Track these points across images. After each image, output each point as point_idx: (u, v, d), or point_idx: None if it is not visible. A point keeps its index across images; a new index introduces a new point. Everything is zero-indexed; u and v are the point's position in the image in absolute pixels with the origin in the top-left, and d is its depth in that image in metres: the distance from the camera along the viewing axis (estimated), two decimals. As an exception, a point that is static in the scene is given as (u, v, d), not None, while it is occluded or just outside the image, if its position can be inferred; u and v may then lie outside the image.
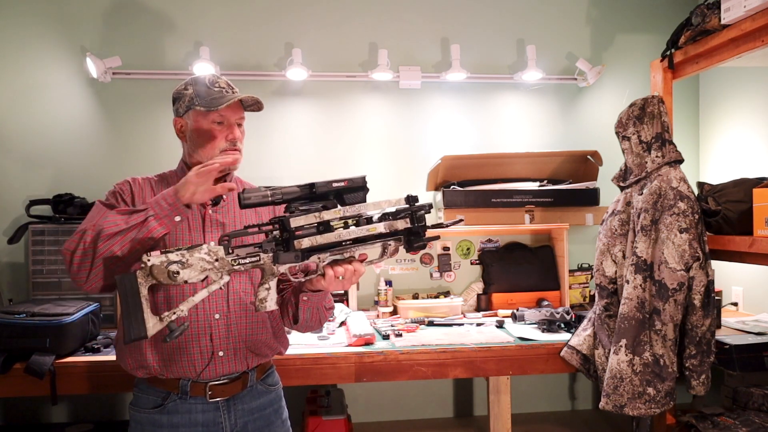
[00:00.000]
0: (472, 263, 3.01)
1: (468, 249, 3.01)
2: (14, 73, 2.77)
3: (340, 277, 1.36)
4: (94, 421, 2.71)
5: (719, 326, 2.46)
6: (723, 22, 2.00)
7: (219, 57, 2.86)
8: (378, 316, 2.75)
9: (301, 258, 1.31)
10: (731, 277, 2.90)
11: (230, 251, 1.30)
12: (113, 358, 2.07)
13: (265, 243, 1.32)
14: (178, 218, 1.39)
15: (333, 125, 2.99)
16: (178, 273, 1.25)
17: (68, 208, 2.62)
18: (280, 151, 2.94)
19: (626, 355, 2.02)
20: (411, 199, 1.34)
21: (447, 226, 1.42)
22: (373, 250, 1.37)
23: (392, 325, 2.48)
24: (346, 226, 1.32)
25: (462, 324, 2.57)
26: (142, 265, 1.25)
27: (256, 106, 1.59)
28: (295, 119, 2.97)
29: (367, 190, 1.35)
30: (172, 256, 1.25)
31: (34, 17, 2.79)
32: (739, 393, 2.30)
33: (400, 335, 2.35)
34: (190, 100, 1.53)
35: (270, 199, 1.31)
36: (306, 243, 1.30)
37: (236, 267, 1.30)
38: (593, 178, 2.92)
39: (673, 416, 2.37)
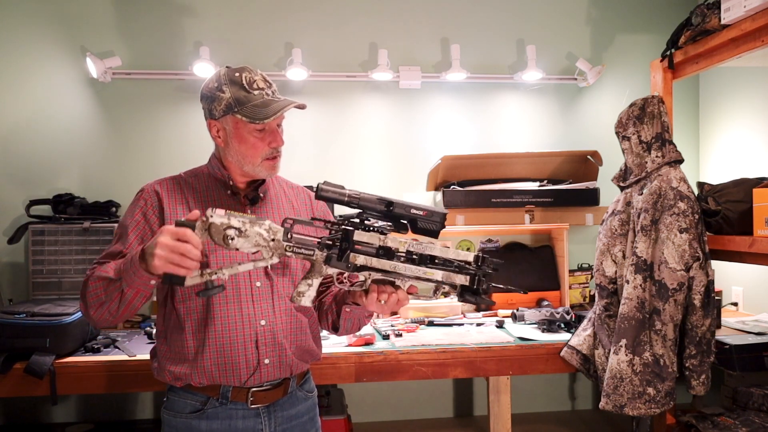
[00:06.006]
0: (472, 263, 3.00)
1: (468, 249, 3.01)
2: (14, 73, 2.77)
3: (382, 302, 1.32)
4: (94, 421, 2.72)
5: (719, 326, 2.46)
6: (723, 22, 2.00)
7: (219, 57, 2.86)
8: (378, 316, 2.75)
9: (353, 269, 1.28)
10: (731, 277, 2.90)
11: (289, 236, 1.27)
12: (113, 358, 2.09)
13: (324, 241, 1.28)
14: (153, 282, 1.28)
15: (333, 125, 2.99)
16: (232, 239, 1.22)
17: (68, 208, 2.62)
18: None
19: (626, 355, 2.02)
20: (479, 260, 1.28)
21: (505, 291, 1.39)
22: (425, 285, 1.33)
23: (392, 325, 2.48)
24: (406, 256, 1.29)
25: (462, 324, 2.57)
26: (204, 218, 1.22)
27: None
28: (295, 119, 2.96)
29: (443, 227, 1.29)
30: (234, 222, 1.22)
31: (34, 17, 2.79)
32: (739, 393, 2.29)
33: (400, 335, 2.35)
34: (228, 106, 1.43)
35: (345, 199, 1.28)
36: (361, 260, 1.27)
37: (288, 252, 1.27)
38: (593, 178, 2.92)
39: (673, 416, 2.37)
